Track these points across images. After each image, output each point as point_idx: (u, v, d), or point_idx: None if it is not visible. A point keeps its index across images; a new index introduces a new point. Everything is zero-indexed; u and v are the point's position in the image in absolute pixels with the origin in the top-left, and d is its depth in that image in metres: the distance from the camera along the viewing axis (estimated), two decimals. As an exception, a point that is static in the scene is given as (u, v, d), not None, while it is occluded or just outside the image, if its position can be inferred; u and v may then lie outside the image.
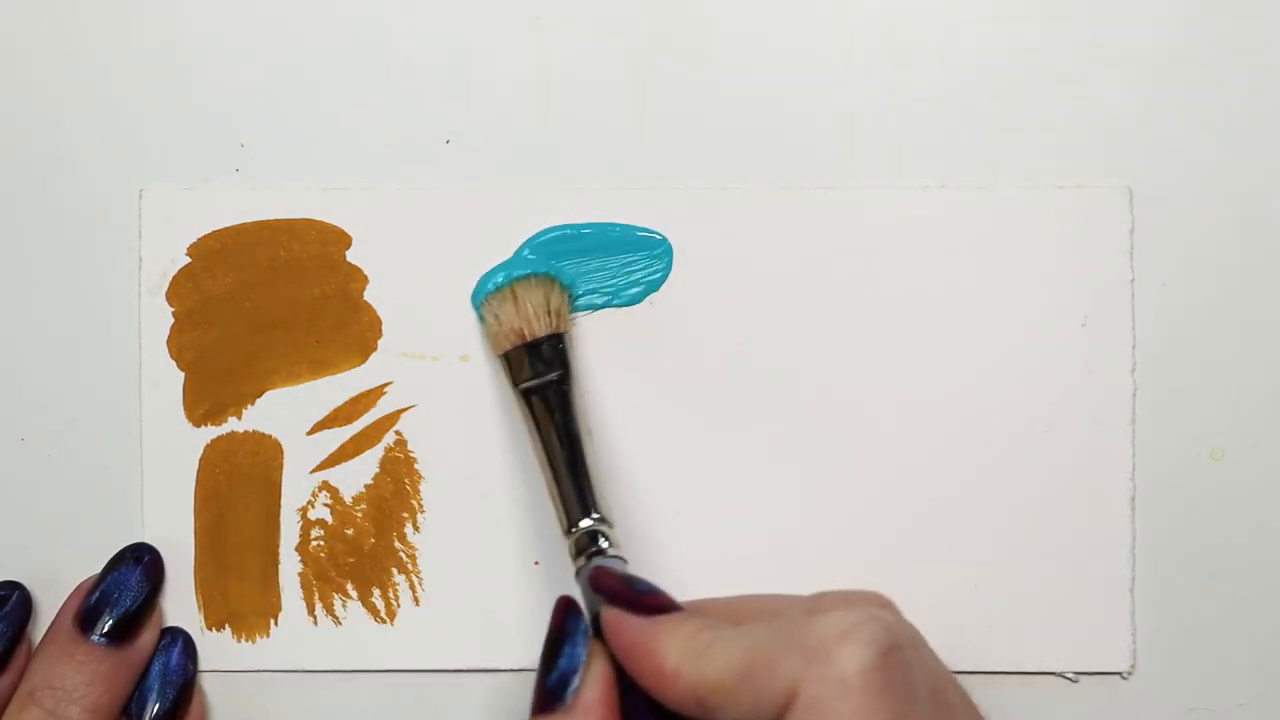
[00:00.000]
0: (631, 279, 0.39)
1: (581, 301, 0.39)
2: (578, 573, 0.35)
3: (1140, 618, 0.39)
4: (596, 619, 0.34)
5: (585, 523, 0.36)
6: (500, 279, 0.39)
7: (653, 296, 0.40)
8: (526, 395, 0.38)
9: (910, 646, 0.30)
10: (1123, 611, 0.39)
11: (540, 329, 0.38)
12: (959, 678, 0.39)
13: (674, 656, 0.31)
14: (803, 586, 0.39)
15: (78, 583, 0.38)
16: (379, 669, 0.39)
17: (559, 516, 0.36)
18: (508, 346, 0.38)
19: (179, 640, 0.39)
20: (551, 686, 0.33)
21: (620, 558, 0.35)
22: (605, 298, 0.39)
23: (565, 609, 0.34)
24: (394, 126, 0.40)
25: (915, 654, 0.30)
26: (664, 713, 0.32)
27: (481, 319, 0.39)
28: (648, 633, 0.32)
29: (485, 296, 0.39)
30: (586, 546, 0.35)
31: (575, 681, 0.33)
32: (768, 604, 0.34)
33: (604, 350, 0.40)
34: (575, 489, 0.36)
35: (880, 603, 0.32)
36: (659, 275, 0.39)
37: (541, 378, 0.38)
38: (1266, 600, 0.39)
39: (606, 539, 0.35)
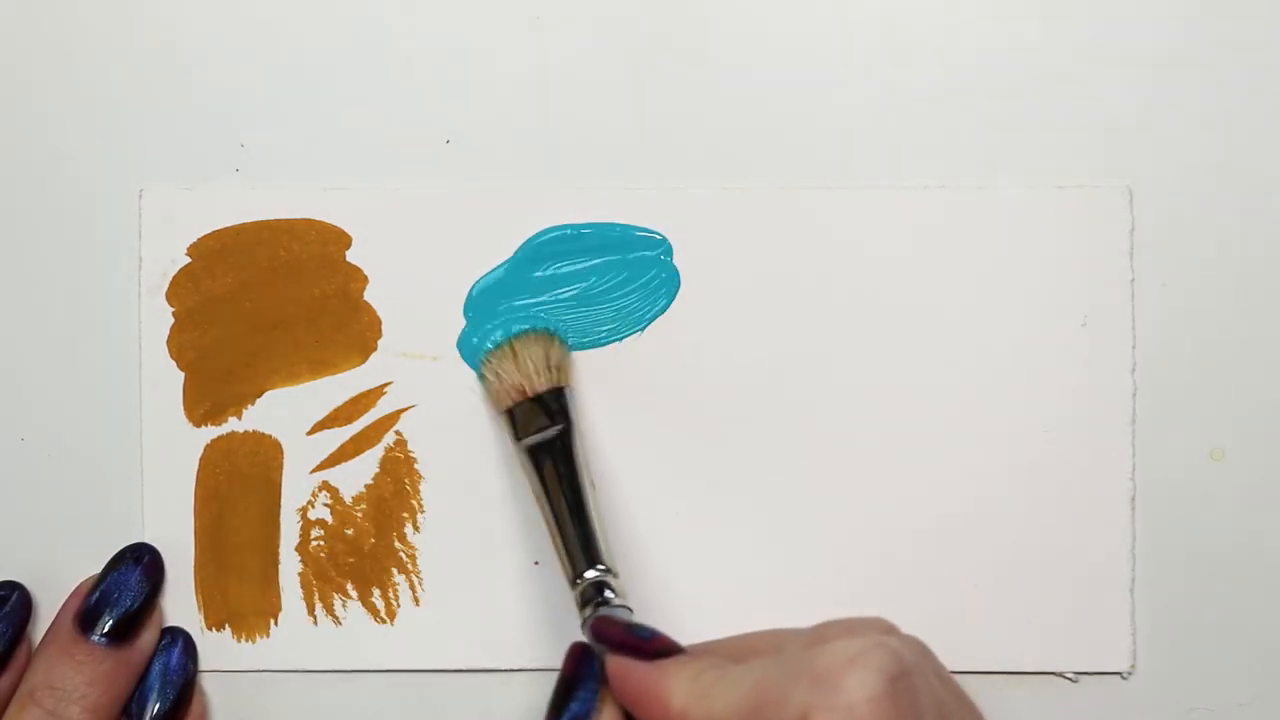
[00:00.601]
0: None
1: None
2: (583, 624, 0.35)
3: (1140, 618, 0.39)
4: (604, 668, 0.34)
5: (590, 574, 0.35)
6: (499, 336, 0.39)
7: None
8: (530, 451, 0.37)
9: (918, 671, 0.30)
10: (1123, 611, 0.39)
11: (541, 384, 0.38)
12: (960, 679, 0.39)
13: (680, 698, 0.31)
14: (804, 587, 0.39)
15: (78, 583, 0.39)
16: (379, 669, 0.39)
17: (564, 568, 0.36)
18: (509, 403, 0.38)
19: (179, 640, 0.39)
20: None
21: (626, 607, 0.35)
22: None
23: (579, 655, 0.34)
24: (394, 126, 0.40)
25: (923, 679, 0.30)
26: None
27: (482, 378, 0.39)
28: (652, 677, 0.32)
29: (484, 355, 0.39)
30: (592, 597, 0.35)
31: None
32: (771, 638, 0.34)
33: (604, 352, 0.40)
34: (580, 540, 0.36)
35: (885, 628, 0.32)
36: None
37: (544, 433, 0.37)
38: (1266, 600, 0.39)
39: (611, 589, 0.35)
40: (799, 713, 0.29)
